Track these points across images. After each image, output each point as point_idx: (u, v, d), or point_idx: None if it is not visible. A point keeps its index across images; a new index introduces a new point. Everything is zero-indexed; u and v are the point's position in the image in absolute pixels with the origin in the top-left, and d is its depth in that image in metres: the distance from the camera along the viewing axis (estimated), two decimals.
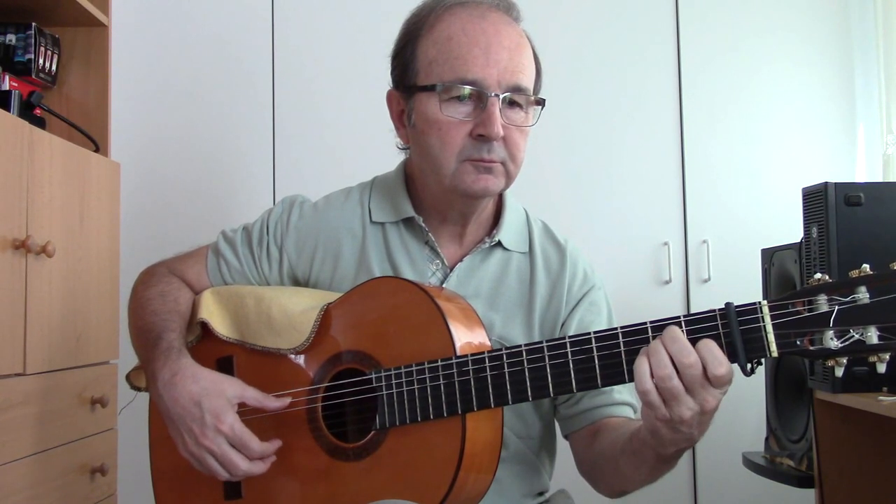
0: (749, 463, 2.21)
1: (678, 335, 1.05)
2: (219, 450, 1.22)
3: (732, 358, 1.04)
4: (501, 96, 1.26)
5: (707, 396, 1.04)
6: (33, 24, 2.06)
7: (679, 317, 1.07)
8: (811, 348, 1.01)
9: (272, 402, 1.27)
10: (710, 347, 1.04)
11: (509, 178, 1.32)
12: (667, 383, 1.04)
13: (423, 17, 1.33)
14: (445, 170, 1.29)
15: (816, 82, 2.64)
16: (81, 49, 2.27)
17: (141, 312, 1.38)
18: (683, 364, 1.03)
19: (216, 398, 1.23)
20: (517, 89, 1.28)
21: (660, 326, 1.08)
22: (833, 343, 1.00)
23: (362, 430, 1.24)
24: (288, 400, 1.27)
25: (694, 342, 1.05)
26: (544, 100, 1.33)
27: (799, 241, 1.97)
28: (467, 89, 1.26)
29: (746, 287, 2.36)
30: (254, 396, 1.26)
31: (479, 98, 1.26)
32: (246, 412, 1.26)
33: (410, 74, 1.33)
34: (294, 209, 1.43)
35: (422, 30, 1.32)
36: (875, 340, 0.98)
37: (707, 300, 2.55)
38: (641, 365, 1.05)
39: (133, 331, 1.40)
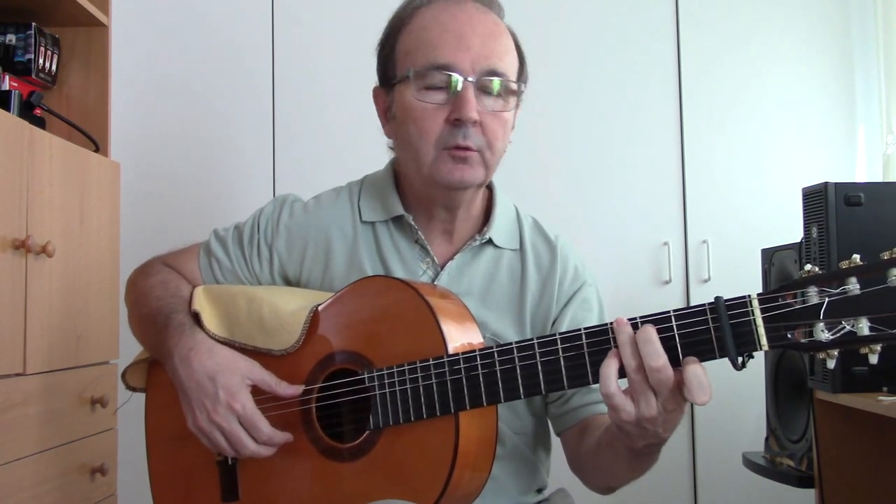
0: (749, 463, 2.21)
1: (651, 337, 1.04)
2: (229, 427, 1.23)
3: (722, 352, 1.03)
4: (475, 80, 1.27)
5: (672, 405, 1.04)
6: (33, 24, 2.06)
7: (669, 312, 1.06)
8: (802, 341, 1.00)
9: (284, 389, 1.26)
10: (697, 374, 1.02)
11: (488, 169, 1.31)
12: (634, 375, 1.04)
13: (402, 13, 1.36)
14: (424, 158, 1.29)
15: (816, 82, 2.64)
16: (81, 49, 2.26)
17: (144, 300, 1.39)
18: (651, 367, 1.03)
19: (231, 375, 1.24)
20: (492, 73, 1.28)
21: (649, 322, 1.06)
22: (824, 335, 0.98)
23: (356, 431, 1.24)
24: (300, 388, 1.26)
25: (683, 350, 1.04)
26: (521, 86, 1.33)
27: (799, 241, 1.97)
28: (440, 74, 1.27)
29: (747, 287, 2.30)
30: (265, 380, 1.26)
31: (453, 83, 1.27)
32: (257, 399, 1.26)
33: (390, 68, 1.35)
34: (285, 208, 1.43)
35: (400, 25, 1.35)
36: (866, 332, 0.96)
37: (707, 300, 2.54)
38: (607, 367, 1.05)
39: (136, 319, 1.41)
